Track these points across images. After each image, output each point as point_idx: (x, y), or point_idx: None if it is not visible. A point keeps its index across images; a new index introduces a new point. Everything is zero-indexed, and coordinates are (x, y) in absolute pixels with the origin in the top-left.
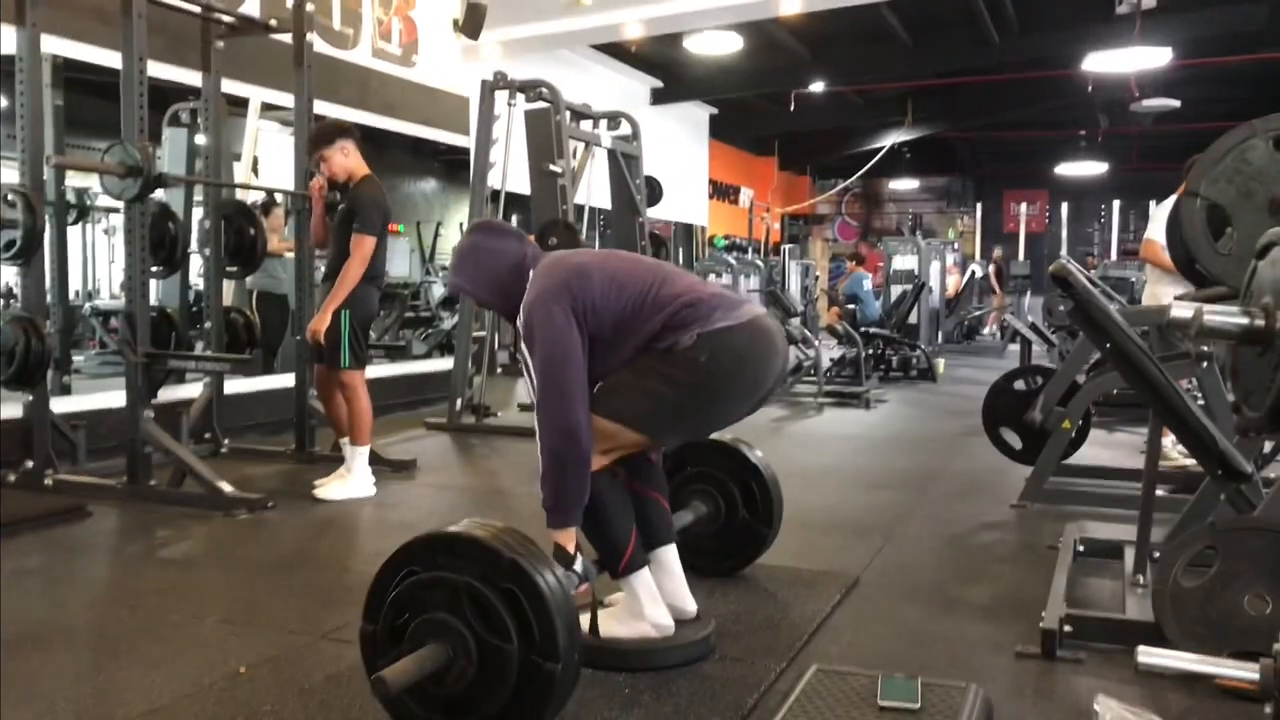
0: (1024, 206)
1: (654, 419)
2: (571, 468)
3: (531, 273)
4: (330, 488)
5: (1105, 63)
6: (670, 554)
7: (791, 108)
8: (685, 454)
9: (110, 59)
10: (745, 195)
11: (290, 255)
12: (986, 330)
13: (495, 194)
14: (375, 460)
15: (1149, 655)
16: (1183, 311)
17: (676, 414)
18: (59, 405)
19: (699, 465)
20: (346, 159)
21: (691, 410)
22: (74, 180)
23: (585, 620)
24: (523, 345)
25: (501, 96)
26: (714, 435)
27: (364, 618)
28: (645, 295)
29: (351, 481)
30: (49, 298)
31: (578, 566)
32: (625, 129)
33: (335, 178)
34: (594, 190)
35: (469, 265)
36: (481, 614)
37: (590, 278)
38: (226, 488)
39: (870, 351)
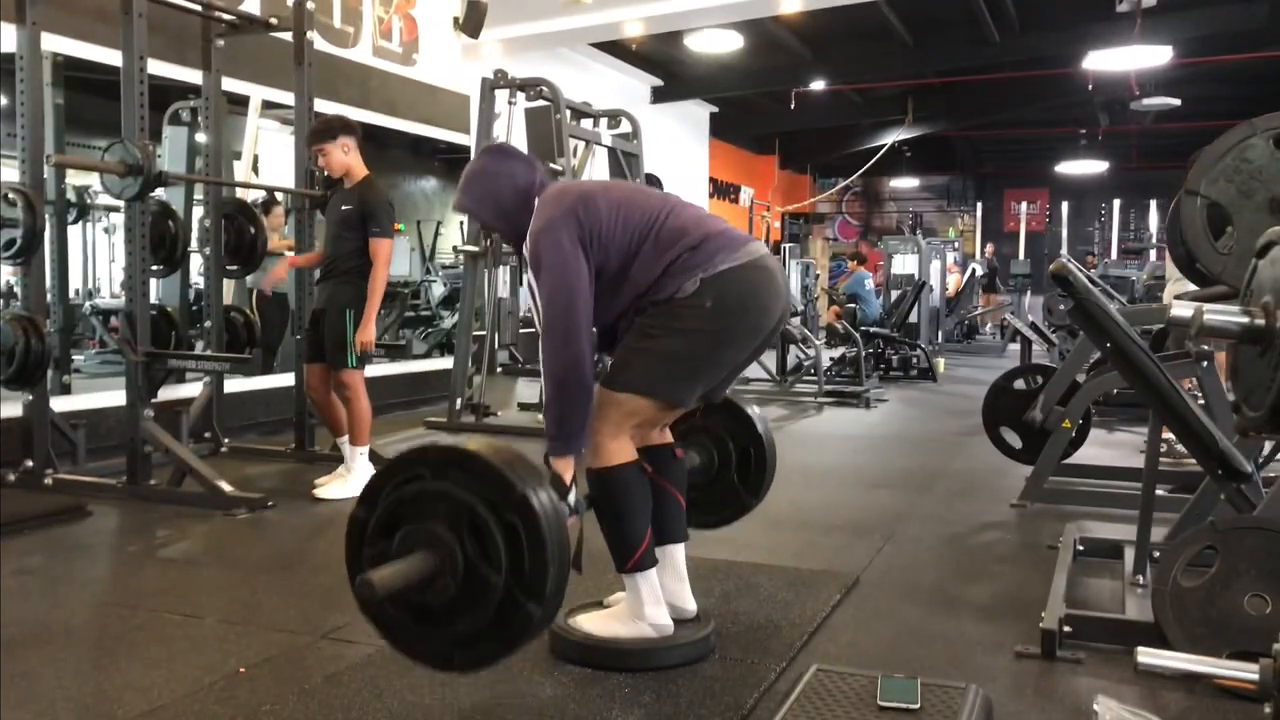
0: (1024, 205)
1: (671, 380)
2: (575, 396)
3: (538, 201)
4: (330, 487)
5: (1105, 61)
6: (678, 553)
7: (792, 106)
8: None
9: (110, 57)
10: (745, 194)
11: (290, 254)
12: (986, 329)
13: None
14: (375, 460)
15: (1148, 655)
16: (1183, 311)
17: (691, 367)
18: (59, 404)
19: (707, 418)
20: (346, 156)
21: (704, 359)
22: (74, 179)
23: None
24: (528, 273)
25: (502, 95)
26: (729, 394)
27: (359, 503)
28: (651, 228)
29: (352, 481)
30: (49, 297)
31: (570, 498)
32: (625, 127)
33: (332, 173)
34: None
35: (476, 187)
36: (478, 538)
37: (597, 206)
38: (226, 487)
39: (870, 351)
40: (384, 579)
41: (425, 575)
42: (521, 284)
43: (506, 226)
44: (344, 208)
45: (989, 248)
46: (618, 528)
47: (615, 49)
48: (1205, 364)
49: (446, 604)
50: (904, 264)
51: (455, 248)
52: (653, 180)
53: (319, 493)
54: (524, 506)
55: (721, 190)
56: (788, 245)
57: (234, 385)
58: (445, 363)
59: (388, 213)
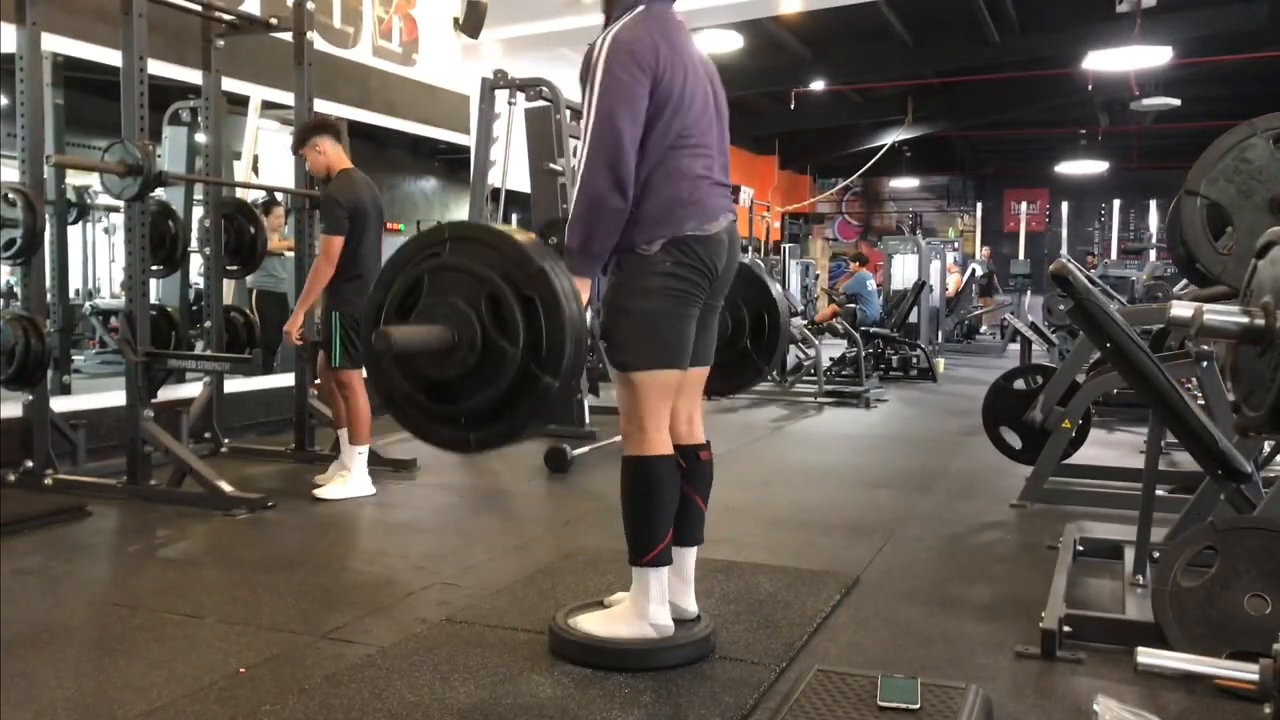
0: (1024, 205)
1: (659, 341)
2: (609, 217)
3: (637, 10)
4: (330, 487)
5: (1105, 61)
6: (689, 556)
7: (792, 106)
8: None
9: (110, 57)
10: (745, 194)
11: (290, 254)
12: (984, 330)
13: (495, 192)
14: (375, 460)
15: (1148, 656)
16: (1183, 311)
17: (672, 327)
18: (59, 404)
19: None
20: (321, 156)
21: (679, 317)
22: (74, 179)
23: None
24: (593, 71)
25: (502, 95)
26: (743, 260)
27: (375, 288)
28: (676, 142)
29: (351, 481)
30: (49, 297)
31: (587, 317)
32: None
33: (317, 175)
34: None
35: None
36: (496, 312)
37: (676, 66)
38: (226, 487)
39: (870, 351)
40: (402, 335)
41: (443, 344)
42: None
43: (606, 6)
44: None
45: (985, 250)
46: (643, 520)
47: None
48: (1205, 364)
49: (462, 377)
50: (904, 272)
51: None
52: None
53: (319, 493)
54: (542, 280)
55: None
56: (787, 245)
57: (234, 385)
58: None
59: (338, 208)
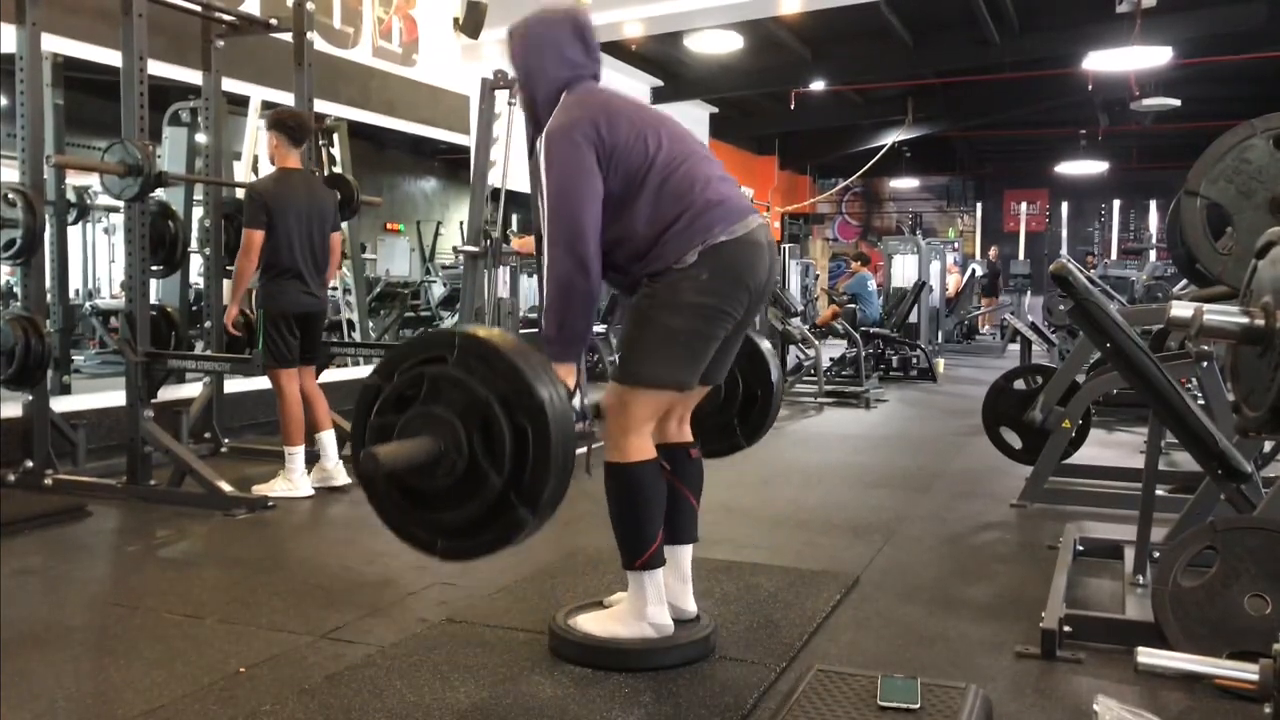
0: (1024, 206)
1: (675, 362)
2: (578, 299)
3: (563, 97)
4: (273, 485)
5: (1105, 62)
6: (685, 555)
7: (792, 107)
8: None
9: (110, 58)
10: (745, 194)
11: None
12: (985, 329)
13: (495, 193)
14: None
15: (1149, 656)
16: (1183, 311)
17: (690, 345)
18: (59, 405)
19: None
20: (271, 151)
21: (702, 335)
22: (74, 179)
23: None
24: (540, 170)
25: (502, 95)
26: (750, 334)
27: (377, 372)
28: (665, 169)
29: (285, 482)
30: (49, 297)
31: (575, 403)
32: None
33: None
34: None
35: (521, 44)
36: (486, 435)
37: (619, 124)
38: (226, 487)
39: (870, 351)
40: (388, 455)
41: (428, 460)
42: (524, 275)
43: (528, 106)
44: None
45: (993, 250)
46: (630, 525)
47: (615, 49)
48: (1205, 364)
49: (442, 492)
50: (904, 272)
51: (455, 248)
52: None
53: (259, 488)
54: (538, 412)
55: None
56: (787, 246)
57: (234, 385)
58: None
59: (251, 204)
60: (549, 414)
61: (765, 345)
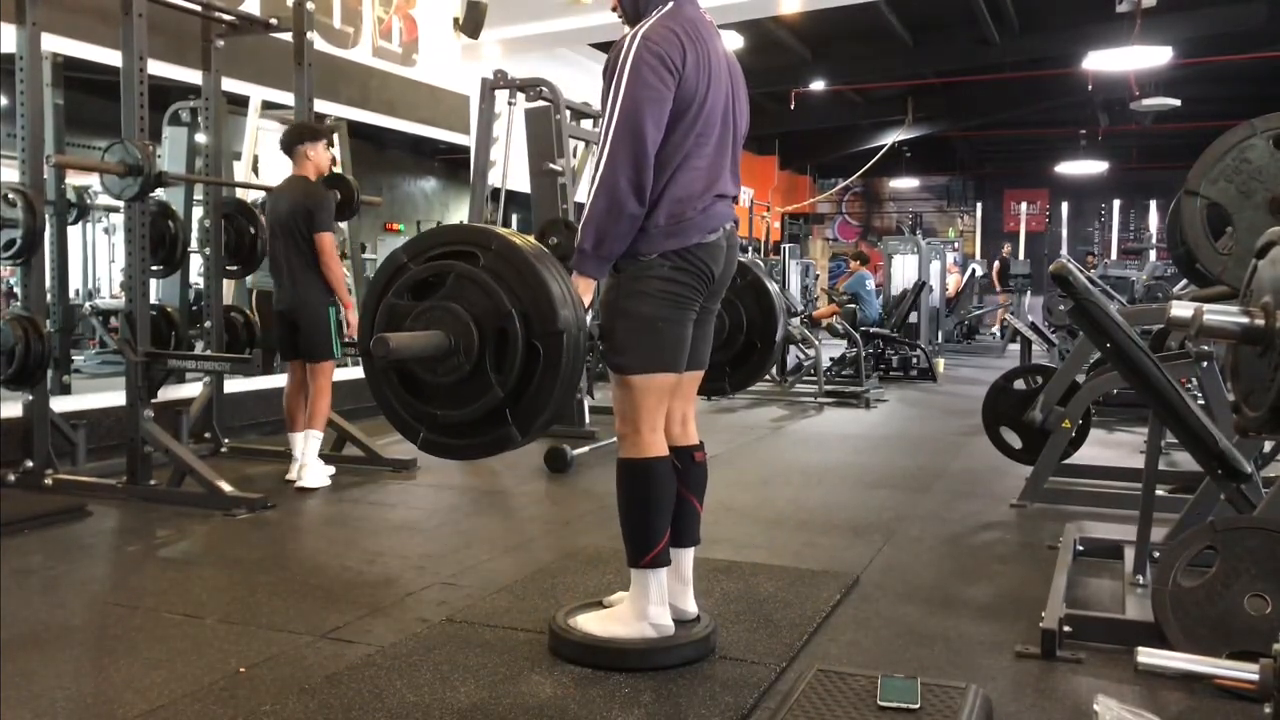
0: (1024, 205)
1: (658, 344)
2: (625, 222)
3: (664, 8)
4: (305, 476)
5: (1105, 61)
6: (687, 557)
7: (792, 106)
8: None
9: (110, 57)
10: (745, 194)
11: None
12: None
13: (495, 193)
14: (375, 460)
15: (1149, 656)
16: (1183, 311)
17: (668, 331)
18: (59, 404)
19: (743, 296)
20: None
21: (674, 321)
22: (74, 179)
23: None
24: (617, 70)
25: (502, 95)
26: (770, 287)
27: (405, 249)
28: (686, 153)
29: (314, 470)
30: (49, 297)
31: (587, 320)
32: None
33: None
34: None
35: None
36: (500, 346)
37: (693, 76)
38: (226, 487)
39: (870, 351)
40: (399, 344)
41: (436, 352)
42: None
43: None
44: None
45: (1006, 247)
46: (639, 522)
47: None
48: (1205, 364)
49: (441, 388)
50: (904, 272)
51: None
52: None
53: (298, 482)
54: (555, 338)
55: None
56: (787, 245)
57: (234, 385)
58: None
59: (326, 209)
60: (564, 342)
61: (774, 290)
